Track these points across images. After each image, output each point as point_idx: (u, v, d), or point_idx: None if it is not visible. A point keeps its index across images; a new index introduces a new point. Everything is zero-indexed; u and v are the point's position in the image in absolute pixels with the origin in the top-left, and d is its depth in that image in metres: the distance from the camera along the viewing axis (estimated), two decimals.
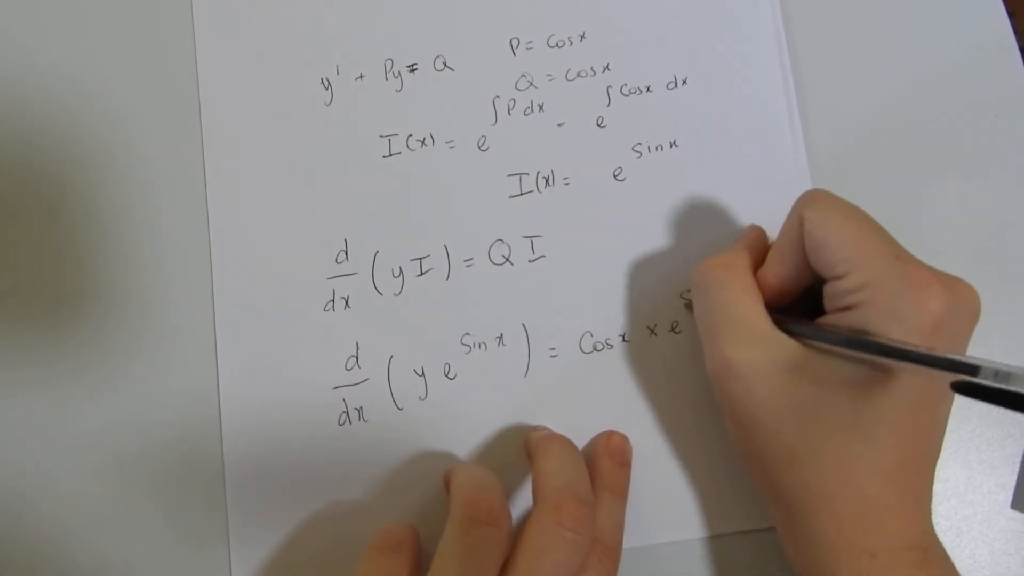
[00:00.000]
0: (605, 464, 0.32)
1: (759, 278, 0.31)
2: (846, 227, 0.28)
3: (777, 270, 0.31)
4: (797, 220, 0.29)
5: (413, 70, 0.37)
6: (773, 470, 0.28)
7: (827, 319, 0.29)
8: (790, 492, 0.28)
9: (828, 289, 0.29)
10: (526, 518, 0.28)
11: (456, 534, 0.28)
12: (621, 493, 0.32)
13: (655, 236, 0.35)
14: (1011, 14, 0.38)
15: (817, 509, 0.27)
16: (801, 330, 0.29)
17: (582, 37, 0.37)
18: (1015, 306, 0.36)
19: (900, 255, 0.28)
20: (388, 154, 0.36)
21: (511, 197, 0.36)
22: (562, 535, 0.27)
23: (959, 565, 0.30)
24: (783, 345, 0.29)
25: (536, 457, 0.31)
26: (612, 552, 0.30)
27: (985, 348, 0.35)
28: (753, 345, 0.29)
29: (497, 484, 0.30)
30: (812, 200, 0.29)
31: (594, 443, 0.33)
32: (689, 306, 0.35)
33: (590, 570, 0.28)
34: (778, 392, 0.28)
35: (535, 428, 0.34)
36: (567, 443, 0.31)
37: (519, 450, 0.33)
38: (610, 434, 0.33)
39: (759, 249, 0.32)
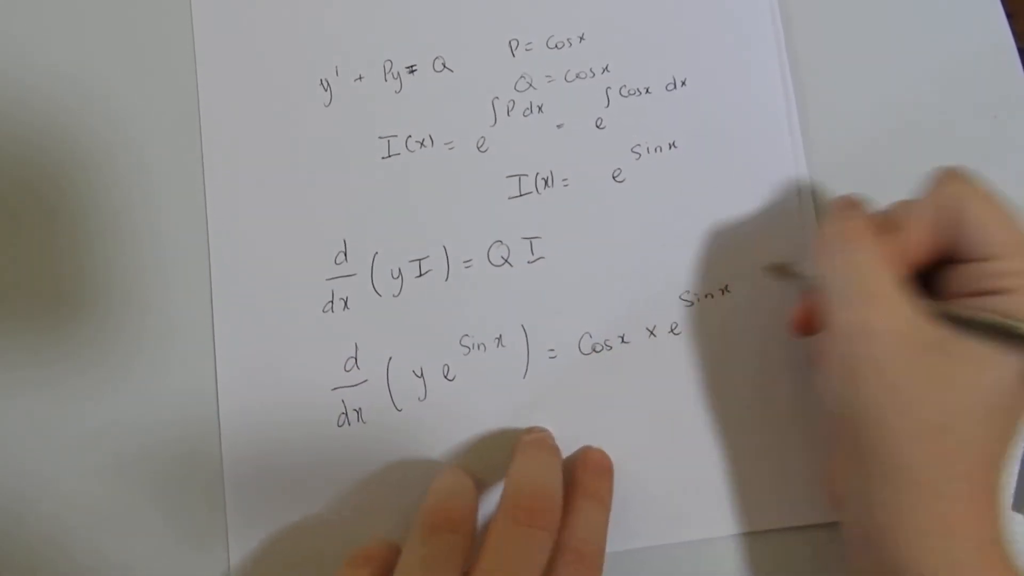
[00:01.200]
0: (582, 473, 0.32)
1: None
2: (1000, 209, 0.28)
3: (907, 243, 0.30)
4: (940, 196, 0.29)
5: (412, 71, 0.37)
6: (896, 444, 0.27)
7: (964, 302, 0.28)
8: (912, 468, 0.27)
9: (968, 270, 0.28)
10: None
11: (416, 543, 0.28)
12: (601, 500, 0.32)
13: (654, 237, 0.35)
14: (1010, 15, 0.38)
15: (938, 493, 0.27)
16: (950, 310, 0.28)
17: (581, 38, 0.37)
18: None
19: None
20: (387, 155, 0.36)
21: (510, 198, 0.36)
22: (518, 529, 0.27)
23: None
24: (927, 321, 0.28)
25: (512, 459, 0.31)
26: (589, 560, 0.29)
27: None
28: (898, 316, 0.28)
29: (467, 490, 0.30)
30: (958, 177, 0.29)
31: (572, 457, 0.33)
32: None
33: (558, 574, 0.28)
34: (918, 366, 0.27)
35: (529, 430, 0.34)
36: (545, 446, 0.32)
37: None
38: (587, 449, 0.33)
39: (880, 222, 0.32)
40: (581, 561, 0.29)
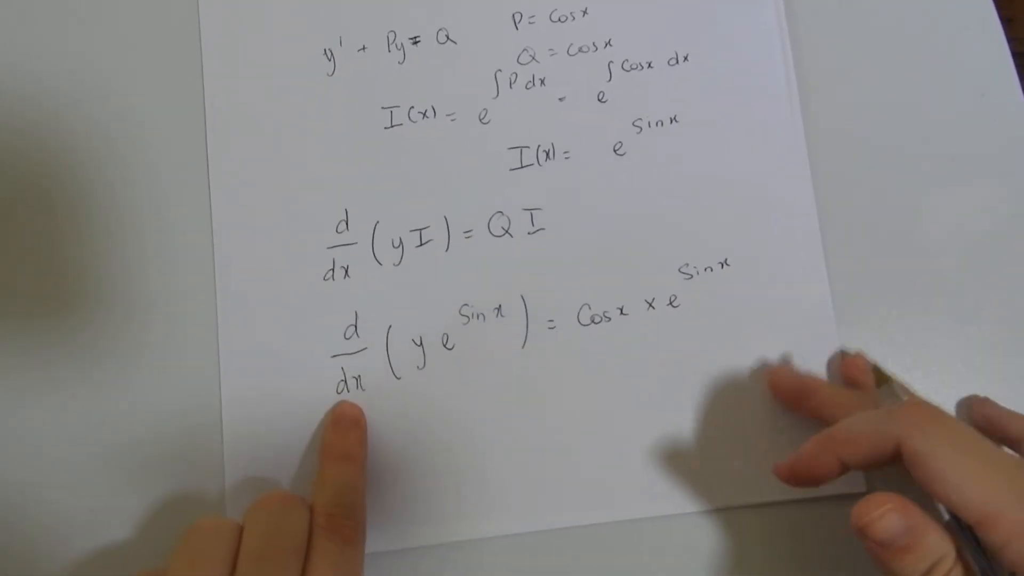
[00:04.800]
0: (325, 432, 0.33)
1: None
2: (967, 466, 0.26)
3: (846, 457, 0.29)
4: (891, 437, 0.27)
5: (416, 42, 0.37)
6: None
7: None
8: None
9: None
10: None
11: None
12: (346, 457, 0.32)
13: (654, 210, 0.35)
14: (1008, 20, 0.38)
15: None
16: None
17: (584, 12, 0.37)
18: (1013, 305, 0.36)
19: None
20: (390, 125, 0.36)
21: (511, 170, 0.36)
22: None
23: None
24: None
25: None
26: (342, 521, 0.30)
27: (984, 350, 0.35)
28: None
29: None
30: (918, 424, 0.27)
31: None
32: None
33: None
34: None
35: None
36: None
37: (515, 420, 0.34)
38: (338, 404, 0.34)
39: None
40: (335, 524, 0.29)
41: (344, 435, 0.33)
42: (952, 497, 0.25)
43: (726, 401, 0.34)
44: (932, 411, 0.27)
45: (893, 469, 0.28)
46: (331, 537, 0.29)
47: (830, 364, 0.35)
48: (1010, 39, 0.38)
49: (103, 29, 0.37)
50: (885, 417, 0.28)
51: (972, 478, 0.25)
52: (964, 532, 0.26)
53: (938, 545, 0.26)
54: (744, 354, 0.35)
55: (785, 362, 0.34)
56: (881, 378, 0.33)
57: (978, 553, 0.26)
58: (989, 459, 0.26)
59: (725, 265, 0.35)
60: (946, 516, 0.27)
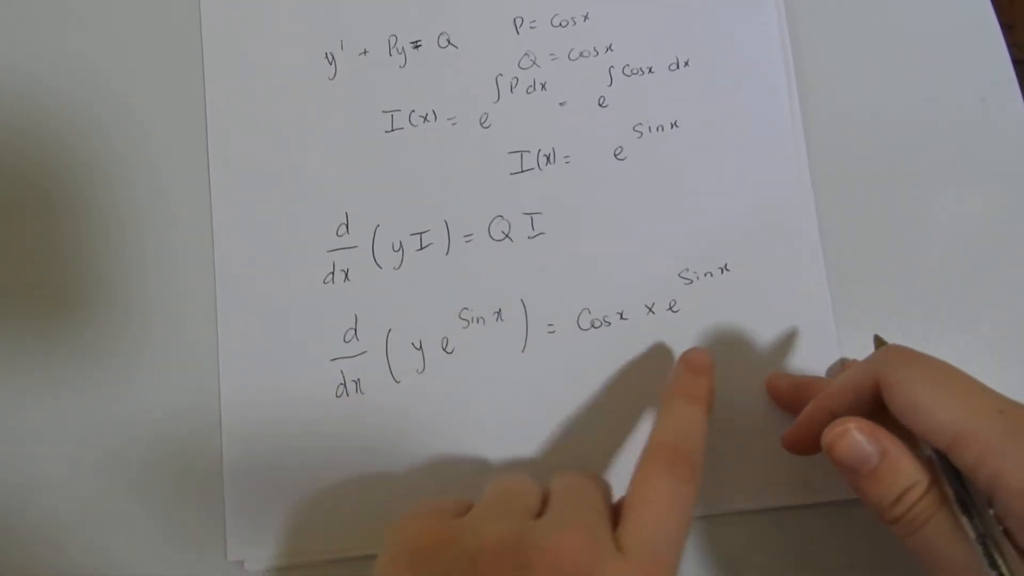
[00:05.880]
0: (676, 374, 0.31)
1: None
2: (939, 391, 0.26)
3: (834, 408, 0.29)
4: (871, 376, 0.28)
5: (417, 46, 0.37)
6: None
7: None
8: None
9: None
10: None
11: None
12: (696, 398, 0.30)
13: (654, 215, 0.36)
14: (1009, 26, 0.38)
15: None
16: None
17: (585, 17, 0.37)
18: (1013, 308, 0.36)
19: (1004, 407, 0.25)
20: (390, 129, 0.36)
21: (512, 174, 0.36)
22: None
23: None
24: None
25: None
26: (685, 456, 0.27)
27: (984, 353, 0.35)
28: None
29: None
30: (895, 360, 0.28)
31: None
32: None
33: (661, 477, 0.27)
34: None
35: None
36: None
37: (515, 424, 0.34)
38: (687, 350, 0.32)
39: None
40: (678, 458, 0.27)
41: (695, 377, 0.31)
42: (925, 421, 0.26)
43: (725, 406, 0.34)
44: (910, 350, 0.28)
45: None
46: (671, 471, 0.26)
47: (830, 372, 0.35)
48: (1010, 45, 0.38)
49: (103, 29, 0.37)
50: (866, 360, 0.29)
51: (944, 402, 0.26)
52: (941, 461, 0.26)
53: (908, 472, 0.26)
54: (744, 358, 0.35)
55: (784, 369, 0.35)
56: (881, 344, 0.33)
57: (954, 479, 0.26)
58: (962, 385, 0.26)
59: (725, 270, 0.35)
60: (928, 452, 0.27)
